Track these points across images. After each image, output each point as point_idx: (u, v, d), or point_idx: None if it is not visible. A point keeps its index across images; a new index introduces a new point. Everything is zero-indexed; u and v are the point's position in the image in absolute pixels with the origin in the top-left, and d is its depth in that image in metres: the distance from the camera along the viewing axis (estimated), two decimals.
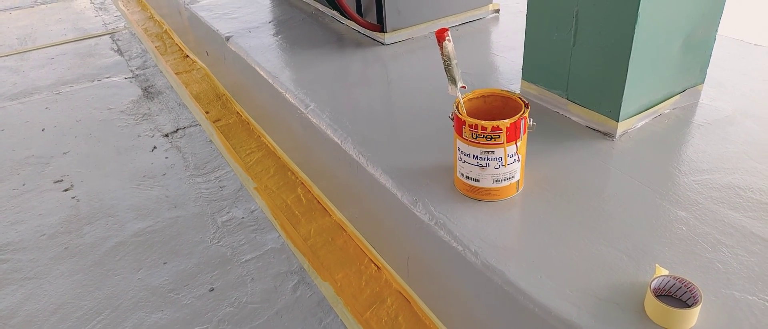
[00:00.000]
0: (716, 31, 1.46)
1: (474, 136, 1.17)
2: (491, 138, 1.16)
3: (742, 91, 1.58)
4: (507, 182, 1.22)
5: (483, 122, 1.15)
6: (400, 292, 1.45)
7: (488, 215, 1.20)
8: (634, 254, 1.05)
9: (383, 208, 1.42)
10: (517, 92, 1.66)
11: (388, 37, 2.07)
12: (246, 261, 1.61)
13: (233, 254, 1.64)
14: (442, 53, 1.16)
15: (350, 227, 1.67)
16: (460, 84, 1.20)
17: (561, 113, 1.52)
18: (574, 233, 1.12)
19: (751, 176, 1.24)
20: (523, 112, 1.18)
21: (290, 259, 1.60)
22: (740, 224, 1.11)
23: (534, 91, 1.59)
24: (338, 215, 1.72)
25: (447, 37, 1.15)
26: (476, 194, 1.24)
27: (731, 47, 1.83)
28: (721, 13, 1.44)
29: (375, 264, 1.54)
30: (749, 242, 1.06)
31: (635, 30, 1.26)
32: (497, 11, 2.28)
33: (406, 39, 2.11)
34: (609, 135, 1.40)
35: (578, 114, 1.47)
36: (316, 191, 1.84)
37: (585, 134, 1.43)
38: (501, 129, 1.15)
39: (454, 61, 1.17)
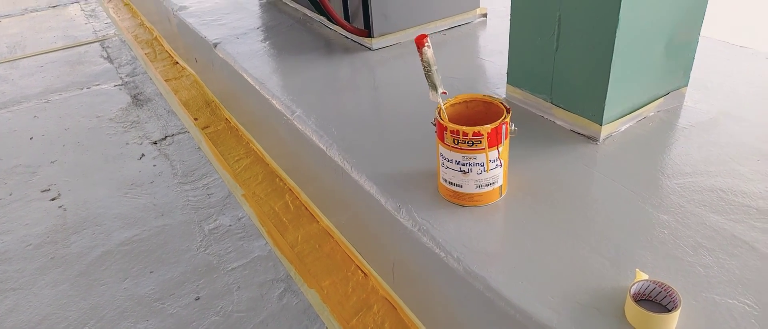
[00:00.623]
0: (698, 33, 1.46)
1: (456, 142, 1.17)
2: (473, 143, 1.16)
3: (726, 93, 1.58)
4: (490, 188, 1.21)
5: (464, 127, 1.15)
6: (386, 299, 1.44)
7: (472, 221, 1.19)
8: (616, 258, 1.05)
9: (368, 214, 1.42)
10: (503, 96, 1.66)
11: (375, 43, 2.07)
12: (232, 268, 1.60)
13: (220, 262, 1.63)
14: (422, 59, 1.16)
15: (337, 234, 1.66)
16: (440, 90, 1.20)
17: (546, 117, 1.52)
18: (556, 238, 1.12)
19: (733, 179, 1.24)
20: (504, 117, 1.18)
21: (277, 266, 1.59)
22: (722, 227, 1.11)
23: (519, 95, 1.60)
24: (326, 221, 1.72)
25: (426, 44, 1.15)
26: (460, 200, 1.24)
27: (716, 49, 1.83)
28: (703, 15, 1.45)
29: (362, 271, 1.54)
30: (731, 246, 1.06)
31: (616, 34, 1.26)
32: (485, 15, 2.29)
33: (394, 44, 2.11)
34: (593, 139, 1.40)
35: (563, 118, 1.47)
36: (304, 197, 1.83)
37: (569, 138, 1.43)
38: (482, 134, 1.15)
39: (434, 67, 1.17)
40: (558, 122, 1.49)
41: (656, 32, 1.36)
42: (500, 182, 1.22)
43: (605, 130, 1.39)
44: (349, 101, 1.77)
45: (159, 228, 1.80)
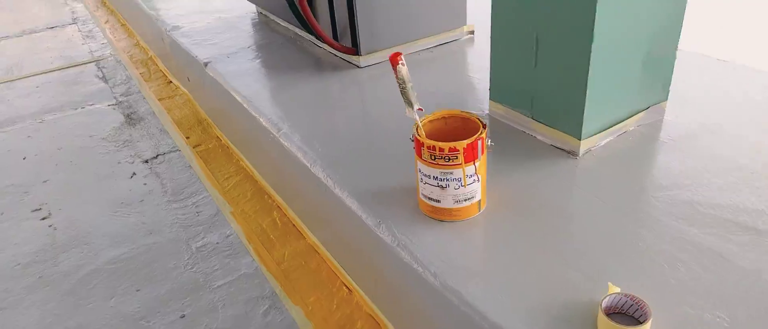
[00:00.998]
0: (676, 48, 1.49)
1: (432, 157, 1.19)
2: (449, 159, 1.17)
3: (705, 106, 1.60)
4: (468, 202, 1.22)
5: (440, 143, 1.17)
6: (370, 315, 1.45)
7: (450, 236, 1.20)
8: (591, 272, 1.06)
9: (350, 230, 1.43)
10: (487, 111, 1.68)
11: (363, 60, 2.10)
12: (218, 286, 1.61)
13: (206, 280, 1.64)
14: (397, 77, 1.19)
15: (323, 250, 1.67)
16: (416, 106, 1.22)
17: (527, 132, 1.54)
18: (533, 253, 1.13)
19: (709, 192, 1.25)
20: (480, 132, 1.19)
21: (263, 284, 1.60)
22: (697, 240, 1.12)
23: (501, 110, 1.61)
24: (312, 238, 1.73)
25: (400, 61, 1.17)
26: (438, 215, 1.25)
27: (696, 63, 1.85)
28: (680, 30, 1.47)
29: (347, 287, 1.54)
30: (705, 258, 1.07)
31: (591, 51, 1.28)
32: (472, 32, 2.32)
33: (382, 61, 2.13)
34: (572, 153, 1.42)
35: (543, 133, 1.49)
36: (291, 214, 1.85)
37: (549, 153, 1.44)
38: (458, 150, 1.16)
39: (409, 84, 1.19)
40: (539, 137, 1.51)
41: (632, 48, 1.38)
42: (478, 196, 1.24)
43: (584, 145, 1.40)
44: (335, 118, 1.79)
45: (147, 246, 1.80)
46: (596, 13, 1.23)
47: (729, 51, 2.34)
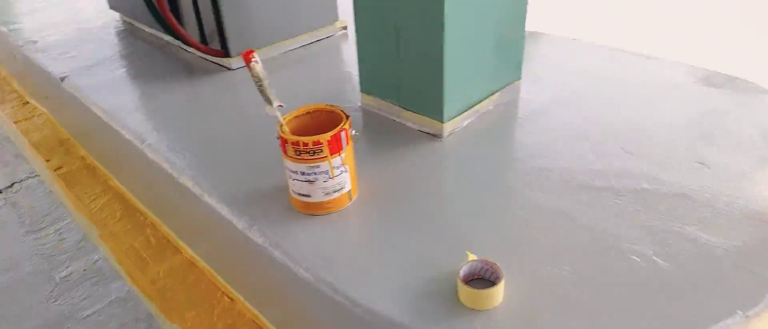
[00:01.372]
0: (523, 30, 1.59)
1: (298, 152, 1.17)
2: (314, 153, 1.17)
3: (557, 83, 1.74)
4: (338, 194, 1.23)
5: (303, 138, 1.16)
6: (253, 321, 1.40)
7: (322, 229, 1.20)
8: (454, 245, 1.10)
9: (225, 237, 1.37)
10: (360, 104, 1.70)
11: (234, 62, 2.04)
12: (87, 316, 1.48)
13: (73, 310, 1.50)
14: (252, 75, 1.16)
15: (201, 262, 1.59)
16: (276, 103, 1.20)
17: (398, 120, 1.58)
18: (401, 235, 1.15)
19: (557, 159, 1.35)
20: (343, 123, 1.20)
21: (137, 306, 1.50)
22: (548, 204, 1.21)
23: (372, 101, 1.64)
24: (189, 252, 1.64)
25: (253, 59, 1.15)
26: (310, 210, 1.24)
27: (551, 43, 2.01)
28: (525, 15, 1.58)
29: (228, 297, 1.48)
30: (555, 219, 1.15)
31: (444, 38, 1.34)
32: (345, 28, 2.34)
33: None
34: (438, 136, 1.48)
35: (411, 120, 1.53)
36: (166, 229, 1.74)
37: (418, 138, 1.49)
38: (322, 143, 1.16)
39: (265, 82, 1.17)
40: (408, 124, 1.55)
41: (483, 33, 1.46)
42: (348, 186, 1.24)
43: (447, 127, 1.46)
44: (207, 123, 1.71)
45: (3, 285, 1.62)
46: (445, 3, 1.29)
47: (575, 29, 2.56)
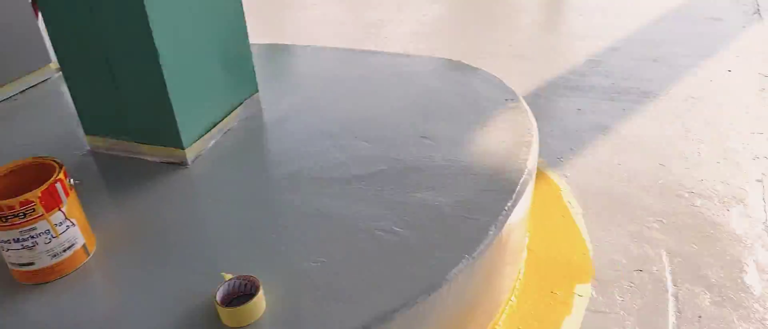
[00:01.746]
0: (247, 43, 1.61)
1: (5, 219, 1.00)
2: (25, 215, 1.01)
3: (297, 89, 1.82)
4: (69, 252, 1.09)
5: (6, 201, 0.99)
6: None
7: (58, 296, 1.05)
8: (212, 269, 1.07)
9: None
10: (87, 148, 1.53)
11: None
12: None
13: None
14: None
15: None
16: None
17: (134, 156, 1.46)
18: (154, 275, 1.08)
19: (306, 159, 1.41)
20: (57, 174, 1.07)
21: None
22: (301, 204, 1.25)
23: (101, 142, 1.49)
24: None
25: None
26: (40, 278, 1.08)
27: (288, 52, 2.09)
28: (245, 30, 1.60)
29: None
30: (309, 218, 1.21)
31: (161, 64, 1.28)
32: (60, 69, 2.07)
33: None
34: (183, 164, 1.42)
35: (149, 153, 1.44)
36: None
37: (161, 170, 1.41)
38: (33, 201, 1.01)
39: None
40: (148, 158, 1.45)
41: (204, 52, 1.44)
42: (81, 241, 1.11)
43: (191, 152, 1.41)
44: None
45: None
46: (151, 27, 1.23)
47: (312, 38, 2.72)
